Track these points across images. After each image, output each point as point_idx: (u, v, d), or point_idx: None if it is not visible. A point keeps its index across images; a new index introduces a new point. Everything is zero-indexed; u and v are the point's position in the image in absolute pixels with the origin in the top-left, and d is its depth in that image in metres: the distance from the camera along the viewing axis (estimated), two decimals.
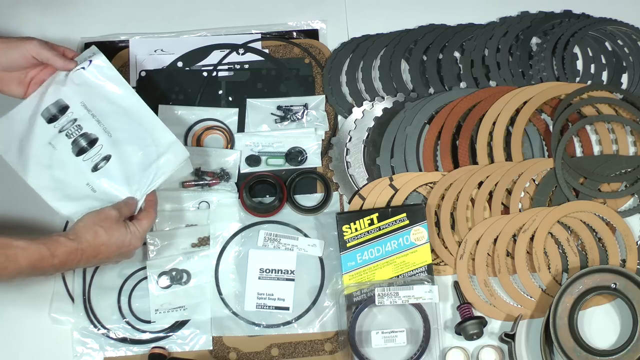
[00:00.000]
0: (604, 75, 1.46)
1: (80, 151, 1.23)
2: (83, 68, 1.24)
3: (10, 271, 1.08)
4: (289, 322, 1.30)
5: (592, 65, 1.46)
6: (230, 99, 1.42)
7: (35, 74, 1.25)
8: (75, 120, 1.24)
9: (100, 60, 1.25)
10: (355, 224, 1.30)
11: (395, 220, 1.30)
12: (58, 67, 1.24)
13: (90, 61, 1.25)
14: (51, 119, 1.23)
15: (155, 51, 1.45)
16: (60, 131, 1.23)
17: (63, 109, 1.24)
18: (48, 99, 1.24)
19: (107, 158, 1.23)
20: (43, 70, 1.25)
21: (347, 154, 1.39)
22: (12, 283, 1.22)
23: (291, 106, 1.41)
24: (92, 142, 1.23)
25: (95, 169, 1.22)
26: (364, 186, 1.37)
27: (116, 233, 1.16)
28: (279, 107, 1.41)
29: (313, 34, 1.47)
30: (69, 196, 1.22)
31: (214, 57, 1.45)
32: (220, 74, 1.44)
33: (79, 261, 1.14)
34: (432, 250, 1.31)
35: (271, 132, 1.39)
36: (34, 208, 1.31)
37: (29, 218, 1.33)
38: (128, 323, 1.29)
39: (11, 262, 1.07)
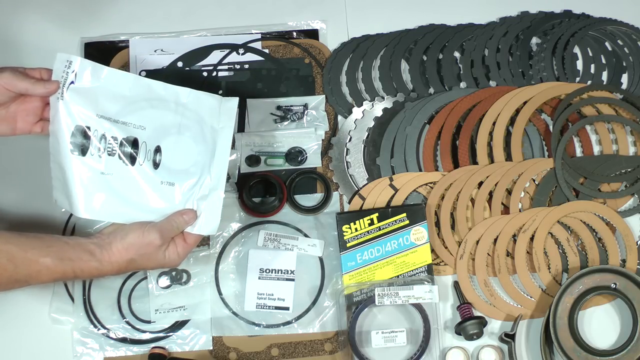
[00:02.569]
0: (604, 75, 1.46)
1: (132, 158, 1.15)
2: (72, 82, 1.13)
3: (30, 284, 1.07)
4: (289, 322, 1.30)
5: (592, 65, 1.46)
6: None
7: (17, 107, 1.15)
8: (104, 135, 1.13)
9: (81, 63, 1.14)
10: (355, 224, 1.30)
11: (395, 220, 1.30)
12: (40, 94, 1.12)
13: (74, 71, 1.13)
14: (83, 150, 1.12)
15: (155, 51, 1.45)
16: (100, 155, 1.13)
17: (84, 133, 1.13)
18: (64, 134, 1.12)
19: (158, 150, 1.16)
20: (26, 101, 1.15)
21: (347, 154, 1.39)
22: None
23: (291, 106, 1.41)
24: (135, 143, 1.14)
25: (156, 165, 1.15)
26: (364, 186, 1.37)
27: (152, 261, 1.12)
28: (279, 107, 1.41)
29: (313, 34, 1.47)
30: (149, 209, 1.15)
31: (214, 57, 1.45)
32: (220, 74, 1.44)
33: (101, 277, 1.13)
34: (432, 250, 1.31)
35: (271, 132, 1.39)
36: (34, 202, 1.33)
37: (28, 214, 1.33)
38: (128, 323, 1.29)
39: (32, 279, 1.06)
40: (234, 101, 1.21)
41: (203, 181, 1.17)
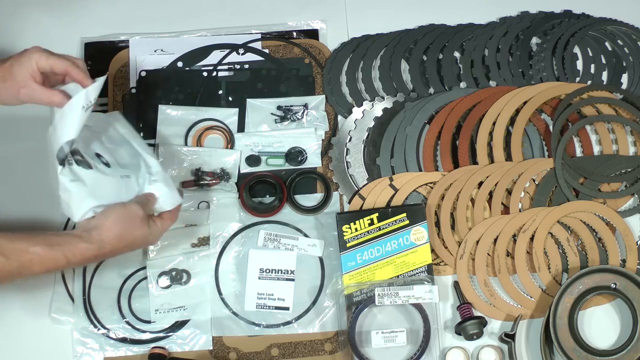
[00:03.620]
0: (604, 75, 1.46)
1: (87, 164, 1.16)
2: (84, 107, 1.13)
3: (23, 276, 1.06)
4: (289, 322, 1.30)
5: (592, 65, 1.46)
6: (230, 99, 1.42)
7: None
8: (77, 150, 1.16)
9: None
10: (355, 224, 1.30)
11: (395, 220, 1.30)
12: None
13: (90, 102, 1.13)
14: (62, 161, 1.13)
15: (155, 51, 1.45)
16: (66, 166, 1.14)
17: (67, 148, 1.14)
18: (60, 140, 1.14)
19: (98, 155, 1.19)
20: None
21: (347, 154, 1.39)
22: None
23: (291, 106, 1.41)
24: (79, 152, 1.16)
25: (107, 165, 1.17)
26: (364, 186, 1.37)
27: (139, 233, 1.13)
28: (279, 107, 1.41)
29: (313, 34, 1.47)
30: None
31: (214, 57, 1.45)
32: (220, 74, 1.44)
33: (96, 261, 1.14)
34: (432, 250, 1.31)
35: (271, 132, 1.39)
36: (32, 205, 1.33)
37: (28, 215, 1.33)
38: (128, 323, 1.29)
39: (25, 269, 1.05)
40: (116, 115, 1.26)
41: (145, 168, 1.20)
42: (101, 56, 1.43)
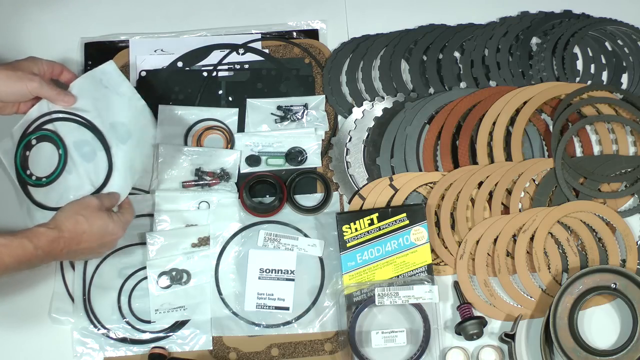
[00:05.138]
0: (604, 75, 1.46)
1: None
2: None
3: None
4: (289, 322, 1.30)
5: (592, 65, 1.46)
6: (230, 99, 1.42)
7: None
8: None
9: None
10: (355, 224, 1.30)
11: (395, 220, 1.30)
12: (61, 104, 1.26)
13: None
14: None
15: (155, 51, 1.45)
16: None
17: None
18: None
19: None
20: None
21: (347, 154, 1.39)
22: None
23: (291, 106, 1.41)
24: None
25: None
26: (364, 186, 1.37)
27: (98, 221, 1.16)
28: (279, 107, 1.41)
29: (313, 34, 1.47)
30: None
31: (214, 57, 1.45)
32: (220, 74, 1.44)
33: (62, 249, 1.14)
34: (432, 250, 1.31)
35: (271, 132, 1.39)
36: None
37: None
38: (128, 323, 1.29)
39: None
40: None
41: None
42: (101, 56, 1.43)
